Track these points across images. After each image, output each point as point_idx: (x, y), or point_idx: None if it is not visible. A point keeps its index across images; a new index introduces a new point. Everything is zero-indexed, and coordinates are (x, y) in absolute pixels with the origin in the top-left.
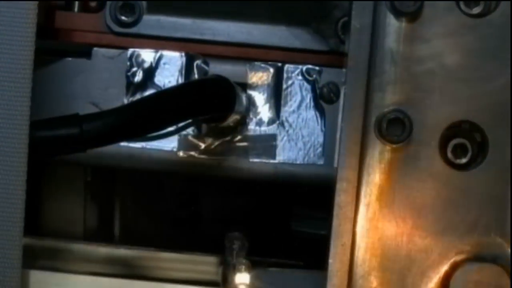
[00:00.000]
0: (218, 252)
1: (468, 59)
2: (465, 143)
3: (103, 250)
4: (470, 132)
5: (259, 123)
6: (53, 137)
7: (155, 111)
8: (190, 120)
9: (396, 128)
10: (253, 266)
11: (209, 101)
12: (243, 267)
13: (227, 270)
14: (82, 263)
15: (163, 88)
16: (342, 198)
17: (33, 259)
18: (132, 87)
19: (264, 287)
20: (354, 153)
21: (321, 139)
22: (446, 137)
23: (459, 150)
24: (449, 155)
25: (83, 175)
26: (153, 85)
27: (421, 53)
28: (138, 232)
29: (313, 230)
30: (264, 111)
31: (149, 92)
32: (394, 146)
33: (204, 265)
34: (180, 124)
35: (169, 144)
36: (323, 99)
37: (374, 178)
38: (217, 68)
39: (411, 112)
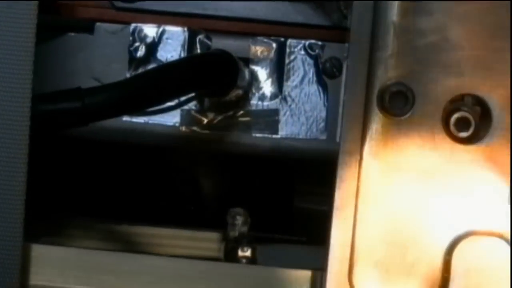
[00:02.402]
0: (220, 228)
1: (470, 33)
2: (467, 116)
3: (105, 226)
4: (473, 105)
5: (262, 98)
6: (56, 111)
7: (157, 84)
8: (192, 94)
9: (399, 101)
10: (255, 241)
11: (211, 75)
12: (246, 241)
13: (229, 245)
14: (83, 239)
15: None
16: (344, 171)
17: (35, 233)
18: (134, 62)
19: (266, 262)
20: (356, 126)
21: (323, 114)
22: (448, 110)
23: (462, 124)
24: (452, 128)
25: (85, 150)
26: (156, 60)
27: (424, 26)
28: (140, 208)
29: (316, 206)
30: (266, 86)
31: (151, 67)
32: (396, 119)
33: (206, 242)
34: (182, 98)
35: (172, 119)
36: (326, 74)
37: (377, 151)
38: (219, 43)
39: (414, 85)
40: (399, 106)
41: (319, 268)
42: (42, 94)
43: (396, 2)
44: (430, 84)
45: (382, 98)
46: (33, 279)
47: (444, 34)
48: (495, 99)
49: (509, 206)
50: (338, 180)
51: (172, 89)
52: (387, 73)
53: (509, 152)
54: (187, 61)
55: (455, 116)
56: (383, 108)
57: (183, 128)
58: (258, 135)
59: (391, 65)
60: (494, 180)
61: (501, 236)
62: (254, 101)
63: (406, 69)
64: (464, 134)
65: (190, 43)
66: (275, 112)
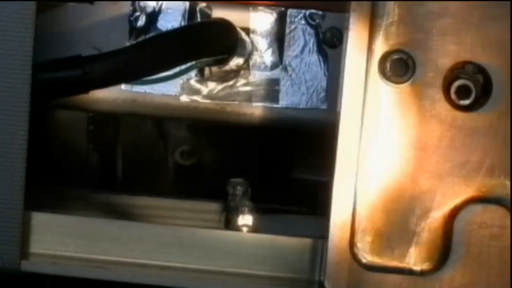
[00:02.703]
0: (221, 199)
1: (470, 0)
2: (468, 84)
3: (105, 197)
4: (474, 73)
5: (262, 67)
6: (56, 78)
7: (157, 52)
8: (192, 63)
9: (400, 68)
10: (256, 211)
11: (211, 43)
12: (246, 209)
13: (230, 215)
14: (83, 210)
15: None
16: (345, 139)
17: (35, 203)
18: (135, 32)
19: (266, 232)
20: (357, 94)
21: (324, 84)
22: (449, 78)
23: (463, 91)
24: (453, 96)
25: (85, 123)
26: (156, 29)
27: None
28: (140, 180)
29: (316, 176)
30: (267, 55)
31: None
32: (397, 86)
33: (206, 213)
34: (183, 67)
35: (172, 88)
36: (326, 43)
37: (378, 119)
38: (220, 13)
39: (414, 53)
40: (400, 73)
41: (320, 237)
42: (42, 62)
43: None
44: (430, 51)
45: (383, 65)
46: (34, 247)
47: (444, 2)
48: (496, 67)
49: (509, 175)
50: (338, 148)
51: (172, 57)
52: (388, 40)
53: (509, 120)
54: (188, 29)
55: (456, 83)
56: (384, 76)
57: (183, 98)
58: (258, 104)
59: (391, 32)
60: (495, 148)
61: (502, 204)
62: (254, 71)
63: (406, 37)
64: (465, 102)
65: (191, 13)
66: (276, 81)
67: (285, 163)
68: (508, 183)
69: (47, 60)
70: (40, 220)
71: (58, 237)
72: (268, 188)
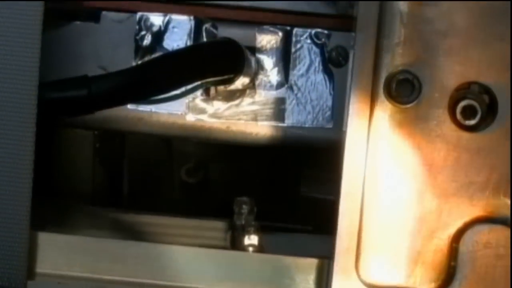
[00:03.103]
0: (227, 217)
1: (477, 20)
2: (474, 104)
3: (111, 215)
4: (479, 93)
5: (268, 86)
6: (62, 98)
7: (163, 72)
8: (198, 83)
9: (405, 89)
10: (262, 230)
11: (217, 63)
12: (252, 229)
13: (236, 234)
14: (90, 228)
15: None
16: (350, 159)
17: (42, 222)
18: (140, 51)
19: (272, 251)
20: (363, 114)
21: (329, 103)
22: (455, 98)
23: (469, 111)
24: (459, 116)
25: (92, 140)
26: (162, 48)
27: (430, 14)
28: (146, 198)
29: (322, 195)
30: (272, 74)
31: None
32: (403, 107)
33: (212, 231)
34: (189, 87)
35: (178, 107)
36: (332, 62)
37: (384, 139)
38: (226, 31)
39: (420, 73)
40: (405, 94)
41: (326, 257)
42: (48, 81)
43: None
44: (436, 72)
45: (388, 86)
46: (40, 267)
47: (451, 21)
48: (501, 87)
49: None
50: (344, 168)
51: (178, 77)
52: (394, 61)
53: None
54: (194, 49)
55: (462, 104)
56: (390, 96)
57: (189, 117)
58: (264, 123)
59: (397, 53)
60: (500, 168)
61: (507, 225)
62: (260, 90)
63: (412, 57)
64: (470, 122)
65: (196, 32)
66: (282, 100)
67: (291, 182)
68: None
69: (54, 80)
70: (46, 239)
71: (64, 257)
72: (274, 206)
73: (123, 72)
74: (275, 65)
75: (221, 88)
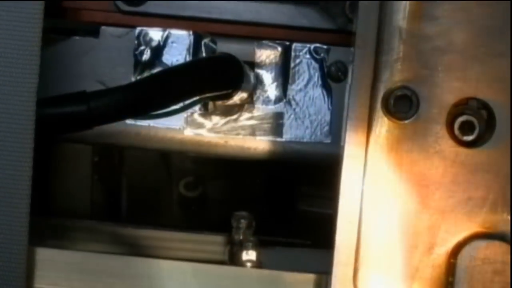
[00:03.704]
0: (225, 232)
1: (475, 37)
2: (472, 120)
3: (110, 229)
4: (478, 109)
5: (266, 101)
6: (60, 114)
7: (162, 88)
8: (197, 98)
9: (404, 105)
10: (260, 245)
11: (216, 78)
12: (250, 244)
13: (234, 248)
14: (88, 242)
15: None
16: (348, 174)
17: (40, 237)
18: (140, 65)
19: (271, 266)
20: (361, 129)
21: (328, 118)
22: (453, 114)
23: (467, 127)
24: (457, 132)
25: (90, 155)
26: (161, 63)
27: (429, 31)
28: (145, 213)
29: (320, 209)
30: (271, 89)
31: (157, 71)
32: (401, 123)
33: (210, 245)
34: (187, 102)
35: (176, 122)
36: (331, 77)
37: (381, 155)
38: (224, 46)
39: (419, 89)
40: (404, 110)
41: (324, 272)
42: (47, 97)
43: (402, 6)
44: (435, 88)
45: (387, 102)
46: (38, 283)
47: (449, 38)
48: (499, 103)
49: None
50: (342, 183)
51: (177, 93)
52: (392, 77)
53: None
54: (192, 65)
55: (460, 119)
56: (388, 112)
57: (187, 132)
58: (262, 138)
59: (396, 69)
60: (498, 184)
61: (505, 240)
62: (258, 105)
63: (411, 73)
64: (468, 138)
65: (195, 47)
66: (280, 115)
67: (289, 196)
68: None
69: (52, 96)
70: (45, 255)
71: (63, 273)
72: (273, 221)
73: (122, 88)
74: (274, 80)
75: (219, 103)
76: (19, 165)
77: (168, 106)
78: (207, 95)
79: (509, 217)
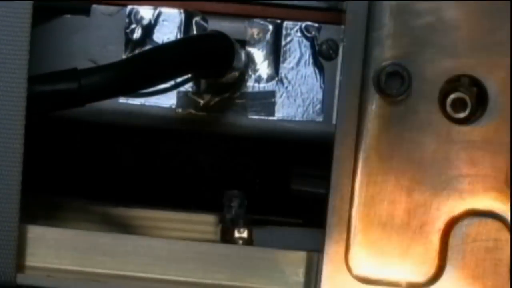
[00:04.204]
0: (217, 211)
1: (467, 13)
2: (464, 97)
3: (100, 209)
4: (470, 86)
5: (258, 80)
6: (52, 91)
7: (153, 64)
8: (188, 76)
9: (395, 82)
10: (252, 223)
11: (207, 56)
12: (242, 222)
13: (226, 227)
14: (79, 221)
15: None
16: (341, 152)
17: (31, 215)
18: (131, 44)
19: (262, 244)
20: (352, 107)
21: (320, 96)
22: (445, 91)
23: (459, 104)
24: (449, 109)
25: (81, 135)
26: (152, 42)
27: (420, 7)
28: (136, 192)
29: (313, 189)
30: (263, 68)
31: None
32: (392, 99)
33: (202, 225)
34: (179, 80)
35: (168, 101)
36: (322, 56)
37: (373, 132)
38: (216, 25)
39: (410, 66)
40: (395, 86)
41: (315, 250)
42: (38, 74)
43: None
44: (426, 64)
45: (378, 79)
46: (29, 260)
47: (441, 14)
48: (492, 80)
49: (508, 188)
50: (334, 161)
51: (168, 70)
52: (383, 54)
53: (507, 133)
54: (184, 42)
55: (452, 96)
56: (379, 89)
57: (179, 110)
58: (254, 117)
59: (387, 46)
60: (491, 161)
61: (497, 218)
62: (250, 83)
63: (402, 50)
64: (460, 115)
65: (187, 25)
66: (272, 94)
67: (281, 175)
68: (504, 196)
69: (43, 73)
70: (36, 233)
71: (54, 250)
72: (265, 200)
73: (113, 65)
74: (265, 58)
75: (211, 81)
76: (11, 142)
77: (160, 83)
78: (199, 72)
79: (501, 195)
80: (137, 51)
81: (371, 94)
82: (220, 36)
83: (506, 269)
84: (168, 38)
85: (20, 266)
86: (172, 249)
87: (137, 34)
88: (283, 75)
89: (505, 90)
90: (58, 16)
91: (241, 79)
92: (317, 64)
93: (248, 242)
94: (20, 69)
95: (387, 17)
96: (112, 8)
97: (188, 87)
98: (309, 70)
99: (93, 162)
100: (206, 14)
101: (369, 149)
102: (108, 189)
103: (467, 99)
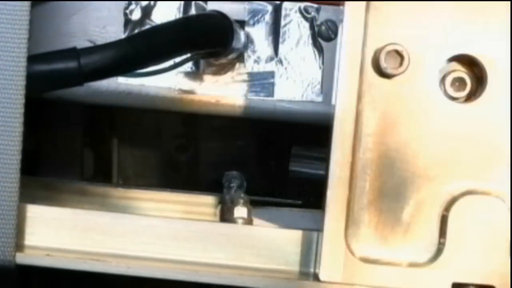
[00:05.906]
0: (216, 192)
1: None
2: (463, 76)
3: (100, 189)
4: (469, 65)
5: (258, 60)
6: (51, 70)
7: (152, 44)
8: (187, 56)
9: (394, 61)
10: (251, 204)
11: (206, 35)
12: (242, 201)
13: (225, 207)
14: (78, 202)
15: None
16: (340, 132)
17: (31, 195)
18: (130, 24)
19: (262, 224)
20: (352, 86)
21: (319, 77)
22: (444, 70)
23: (458, 83)
24: (448, 88)
25: (81, 116)
26: (151, 22)
27: None
28: (136, 175)
29: (311, 169)
30: (262, 48)
31: None
32: (392, 79)
33: (202, 206)
34: (178, 60)
35: (167, 81)
36: (321, 36)
37: (373, 111)
38: (215, 5)
39: (410, 45)
40: (394, 66)
41: (314, 229)
42: (37, 54)
43: None
44: (425, 44)
45: (377, 58)
46: (29, 240)
47: None
48: (490, 59)
49: (508, 167)
50: (333, 141)
51: (167, 49)
52: (383, 33)
53: (507, 112)
54: (183, 22)
55: (451, 76)
56: (379, 69)
57: (179, 91)
58: (253, 97)
59: (386, 25)
60: (490, 139)
61: (497, 196)
62: (249, 64)
63: (401, 30)
64: (460, 94)
65: (186, 6)
66: (271, 74)
67: (280, 156)
68: (504, 174)
69: (42, 53)
70: (35, 212)
71: (53, 230)
72: (264, 181)
73: (112, 44)
74: (265, 39)
75: (210, 62)
76: (10, 121)
77: (159, 62)
78: (198, 52)
79: (501, 172)
80: (136, 32)
81: (370, 74)
82: (219, 16)
83: (506, 245)
84: (167, 19)
85: (19, 245)
86: (171, 228)
87: (136, 15)
88: (282, 55)
89: (503, 69)
90: None
91: (241, 60)
92: (316, 45)
93: (247, 221)
94: (20, 49)
95: None
96: None
97: (187, 67)
98: (308, 51)
99: (91, 143)
100: None
101: (368, 128)
102: (107, 170)
103: (466, 78)
